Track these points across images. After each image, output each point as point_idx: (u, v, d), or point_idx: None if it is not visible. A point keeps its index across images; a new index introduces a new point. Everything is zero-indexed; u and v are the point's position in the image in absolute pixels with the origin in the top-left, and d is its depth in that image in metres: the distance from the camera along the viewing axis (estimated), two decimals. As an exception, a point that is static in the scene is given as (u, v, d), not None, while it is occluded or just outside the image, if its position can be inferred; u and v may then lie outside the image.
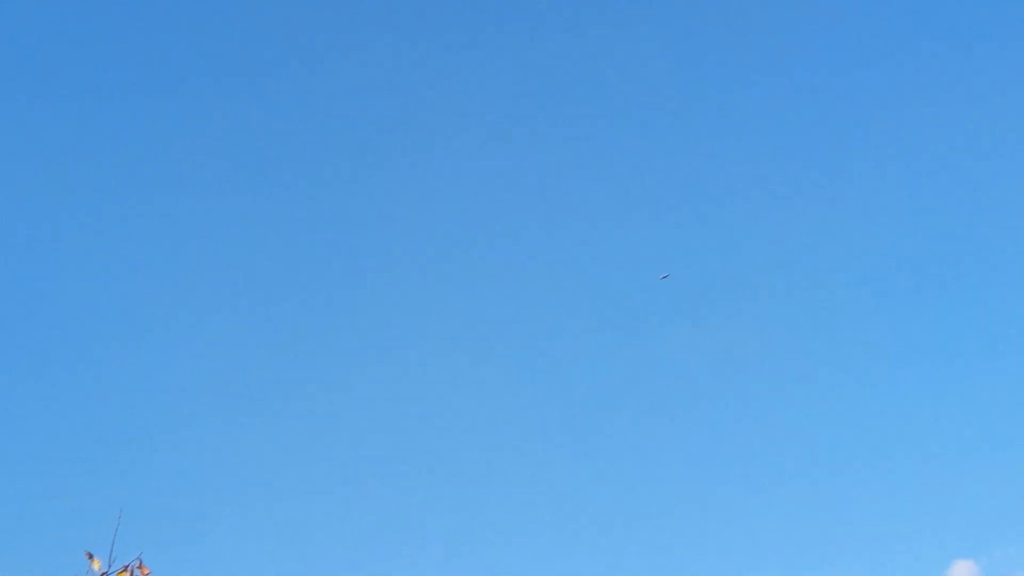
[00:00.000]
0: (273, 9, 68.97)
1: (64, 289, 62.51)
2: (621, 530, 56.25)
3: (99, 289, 62.45)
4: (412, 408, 60.23)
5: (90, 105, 66.22)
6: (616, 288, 64.38)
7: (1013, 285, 65.00)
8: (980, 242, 67.24)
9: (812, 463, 60.14)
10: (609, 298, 64.39)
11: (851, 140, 69.00)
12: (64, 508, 53.11)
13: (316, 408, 59.94)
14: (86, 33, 67.80)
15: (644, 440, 60.53)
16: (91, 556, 18.51)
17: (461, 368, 61.71)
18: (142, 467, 55.83)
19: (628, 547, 55.74)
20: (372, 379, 61.45)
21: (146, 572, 18.76)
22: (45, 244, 63.16)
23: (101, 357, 60.32)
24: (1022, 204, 67.19)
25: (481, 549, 54.91)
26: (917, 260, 67.09)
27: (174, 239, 63.91)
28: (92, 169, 65.31)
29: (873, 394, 63.13)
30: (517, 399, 61.20)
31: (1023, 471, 58.26)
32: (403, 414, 60.16)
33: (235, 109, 67.63)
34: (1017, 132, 67.92)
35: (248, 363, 61.15)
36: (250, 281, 63.64)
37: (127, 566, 18.63)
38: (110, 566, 18.50)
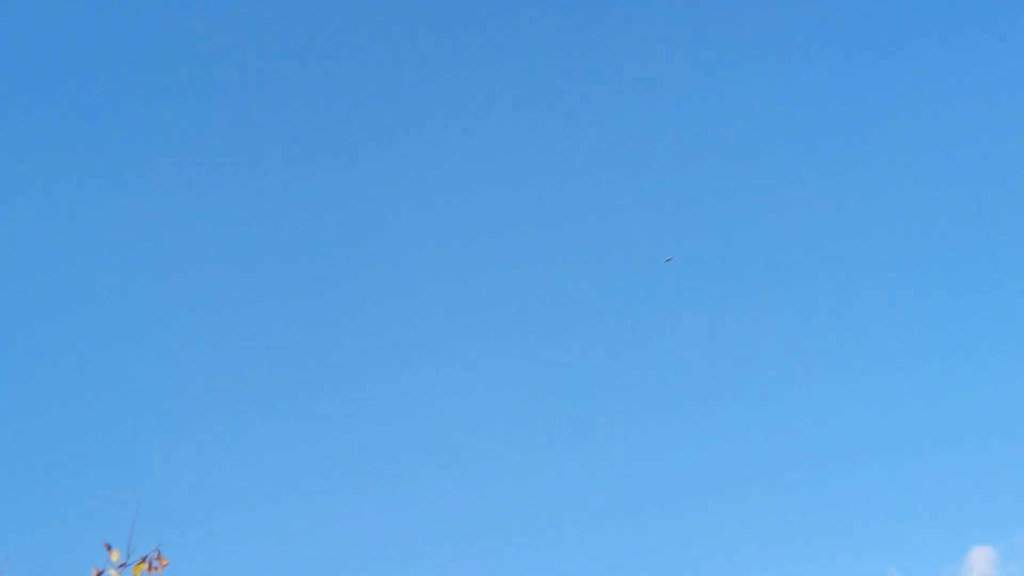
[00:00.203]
0: (285, 10, 68.96)
1: (86, 291, 62.64)
2: (629, 525, 56.20)
3: (120, 292, 62.56)
4: (420, 402, 60.28)
5: (93, 106, 66.26)
6: (619, 285, 64.34)
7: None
8: (994, 232, 67.12)
9: (833, 452, 60.06)
10: (612, 295, 64.32)
11: (857, 137, 68.88)
12: (83, 500, 53.26)
13: (331, 405, 60.01)
14: (86, 33, 67.82)
15: (657, 435, 60.47)
16: (109, 547, 18.54)
17: (466, 364, 61.74)
18: (160, 461, 55.95)
19: (636, 541, 55.70)
20: (381, 376, 61.52)
21: (164, 563, 18.79)
22: (69, 248, 63.25)
23: (121, 357, 60.44)
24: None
25: (488, 545, 54.93)
26: (932, 250, 66.92)
27: (194, 245, 63.99)
28: (105, 171, 65.37)
29: (894, 383, 63.02)
30: (522, 396, 61.18)
31: (1041, 457, 58.21)
32: (411, 408, 60.19)
33: (238, 110, 67.64)
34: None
35: (264, 362, 61.23)
36: (263, 283, 63.68)
37: (145, 557, 18.65)
38: (128, 557, 18.52)
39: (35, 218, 63.26)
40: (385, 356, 62.17)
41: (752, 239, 65.77)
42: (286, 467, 56.73)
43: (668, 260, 54.44)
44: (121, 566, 18.56)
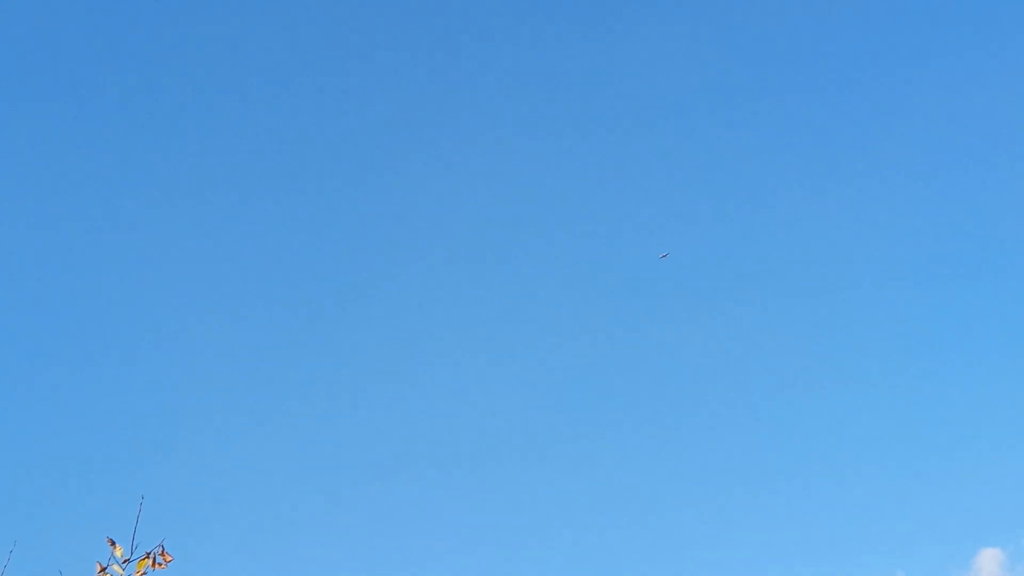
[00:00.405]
0: (297, 12, 68.97)
1: (97, 288, 62.68)
2: (631, 527, 56.17)
3: (130, 290, 62.61)
4: (422, 405, 60.30)
5: (98, 107, 66.29)
6: (622, 289, 64.30)
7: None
8: (1004, 233, 67.04)
9: (841, 455, 59.99)
10: (615, 298, 64.29)
11: (860, 141, 68.88)
12: (88, 496, 53.25)
13: (337, 406, 60.06)
14: (87, 33, 67.86)
15: (662, 438, 60.42)
16: (114, 543, 18.43)
17: (470, 367, 61.74)
18: (165, 457, 55.95)
19: (637, 542, 55.65)
20: (385, 377, 61.56)
21: (168, 559, 18.67)
22: (85, 247, 63.31)
23: (129, 354, 60.51)
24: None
25: (490, 546, 54.90)
26: (942, 250, 66.83)
27: (210, 248, 64.08)
28: (116, 174, 65.40)
29: (902, 387, 62.96)
30: (527, 398, 61.17)
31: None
32: (415, 410, 60.20)
33: (245, 112, 67.67)
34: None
35: (271, 362, 61.29)
36: (268, 286, 63.75)
37: (150, 553, 18.54)
38: (132, 553, 18.41)
39: (54, 223, 63.29)
40: (391, 358, 62.20)
41: (756, 242, 65.79)
42: (292, 465, 56.76)
43: (663, 256, 54.38)
44: (125, 562, 18.45)
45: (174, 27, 67.45)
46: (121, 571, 18.43)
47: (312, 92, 68.13)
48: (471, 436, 59.86)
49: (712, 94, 69.27)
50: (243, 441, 57.72)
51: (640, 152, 68.48)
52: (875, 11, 70.78)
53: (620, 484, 58.14)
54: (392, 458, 58.25)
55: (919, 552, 55.78)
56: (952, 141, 68.81)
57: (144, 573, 18.51)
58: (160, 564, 18.62)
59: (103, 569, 18.42)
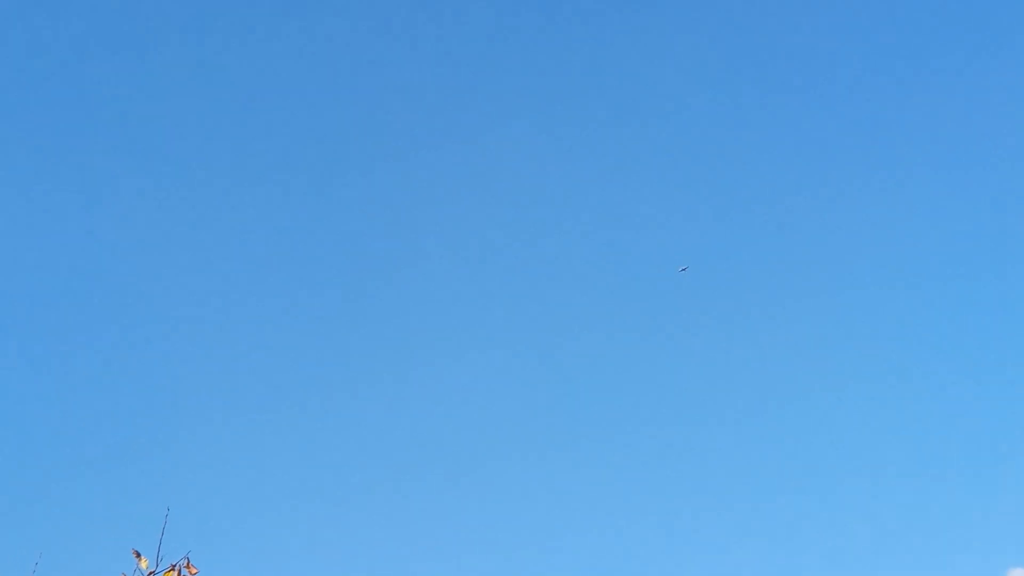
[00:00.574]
0: (297, 12, 69.20)
1: (124, 293, 62.92)
2: (634, 529, 56.12)
3: (155, 296, 62.83)
4: (423, 406, 60.39)
5: (99, 106, 66.60)
6: (628, 292, 64.29)
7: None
8: (1009, 238, 66.92)
9: (868, 473, 59.74)
10: (620, 302, 64.28)
11: (874, 146, 68.66)
12: (113, 507, 53.32)
13: (365, 416, 60.12)
14: (87, 34, 68.18)
15: (668, 442, 60.33)
16: (139, 555, 18.40)
17: (475, 369, 61.82)
18: (191, 468, 56.02)
19: (640, 543, 55.59)
20: (391, 377, 61.72)
21: (194, 572, 18.63)
22: (104, 252, 63.55)
23: (154, 363, 60.65)
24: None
25: (493, 547, 54.97)
26: (966, 255, 66.63)
27: (220, 250, 64.23)
28: (116, 174, 65.66)
29: (930, 402, 62.67)
30: (532, 401, 61.17)
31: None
32: (415, 410, 60.32)
33: (244, 112, 67.90)
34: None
35: (297, 374, 61.45)
36: (271, 285, 63.95)
37: (175, 565, 18.50)
38: (158, 565, 18.37)
39: (60, 224, 63.51)
40: (391, 358, 62.29)
41: (765, 246, 65.68)
42: (318, 477, 56.78)
43: (683, 269, 54.11)
44: (150, 574, 18.42)
45: (175, 27, 67.70)
46: (146, 583, 18.40)
47: (312, 92, 68.32)
48: (472, 436, 59.85)
49: (712, 94, 69.17)
50: (270, 453, 57.81)
51: (641, 152, 68.49)
52: (879, 11, 70.67)
53: (623, 485, 58.05)
54: (398, 459, 58.34)
55: (948, 570, 55.50)
56: (952, 141, 68.65)
57: (170, 585, 18.49)
58: (185, 577, 18.60)
59: (128, 581, 18.40)
